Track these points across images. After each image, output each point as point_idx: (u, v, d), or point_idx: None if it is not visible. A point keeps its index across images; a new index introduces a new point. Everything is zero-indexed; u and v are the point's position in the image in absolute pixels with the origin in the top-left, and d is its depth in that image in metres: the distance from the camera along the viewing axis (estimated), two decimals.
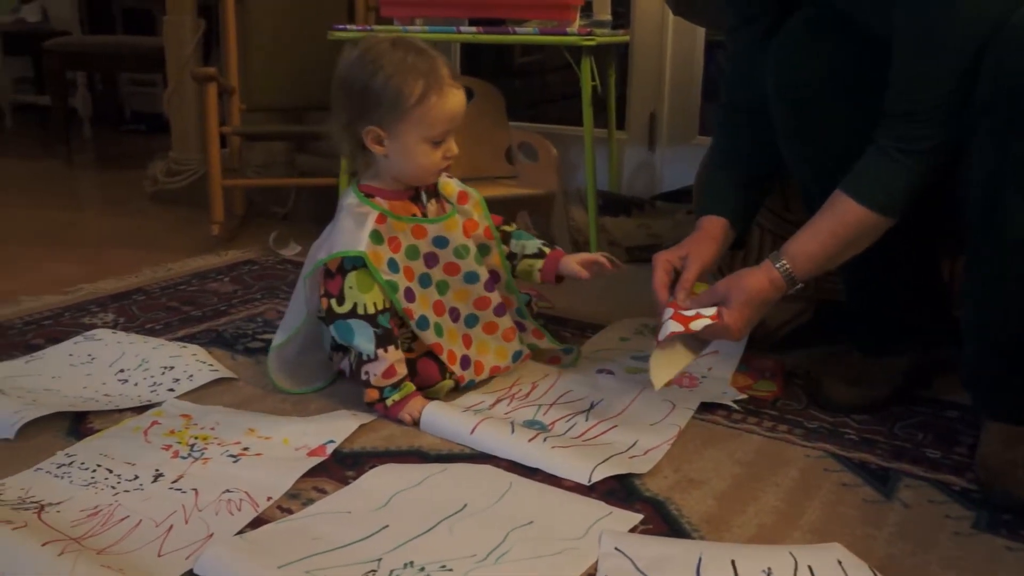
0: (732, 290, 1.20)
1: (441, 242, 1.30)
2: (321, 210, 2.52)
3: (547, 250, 1.41)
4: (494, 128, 2.18)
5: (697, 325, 1.20)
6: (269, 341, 1.55)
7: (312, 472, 1.12)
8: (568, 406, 1.32)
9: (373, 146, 1.25)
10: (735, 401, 1.34)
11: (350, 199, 1.29)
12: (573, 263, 1.39)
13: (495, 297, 1.36)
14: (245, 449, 1.17)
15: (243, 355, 1.51)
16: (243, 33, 2.50)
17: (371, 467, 1.14)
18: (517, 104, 2.74)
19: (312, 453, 1.16)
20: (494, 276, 1.37)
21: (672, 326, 1.21)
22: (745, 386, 1.40)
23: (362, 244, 1.23)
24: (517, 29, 1.98)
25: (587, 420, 1.27)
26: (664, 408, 1.30)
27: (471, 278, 1.33)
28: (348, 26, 2.10)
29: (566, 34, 1.92)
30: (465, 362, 1.34)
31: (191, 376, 1.39)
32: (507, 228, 1.43)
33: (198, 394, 1.35)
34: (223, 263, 2.10)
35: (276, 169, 2.76)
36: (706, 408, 1.32)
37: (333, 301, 1.25)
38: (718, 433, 1.26)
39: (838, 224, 1.14)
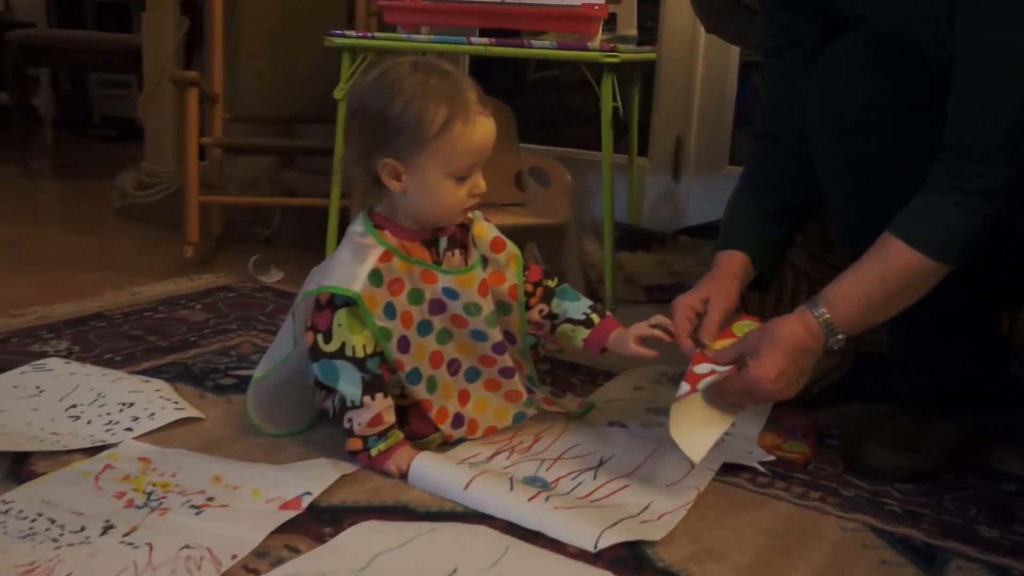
0: (761, 338, 1.19)
1: (451, 294, 1.29)
2: (308, 234, 2.52)
3: (596, 318, 1.38)
4: (503, 150, 2.18)
5: (703, 384, 1.19)
6: (243, 378, 1.55)
7: (284, 528, 1.11)
8: (574, 462, 1.31)
9: (390, 181, 1.24)
10: (762, 463, 1.33)
11: (357, 226, 1.28)
12: (631, 343, 1.32)
13: (504, 360, 1.35)
14: (209, 499, 1.15)
15: (213, 392, 1.50)
16: (230, 34, 2.52)
17: (351, 524, 1.12)
18: (529, 124, 2.74)
19: (285, 506, 1.15)
20: (509, 338, 1.36)
21: (681, 387, 1.21)
22: (774, 446, 1.39)
23: (358, 284, 1.22)
24: (533, 42, 1.99)
25: (595, 478, 1.26)
26: (682, 468, 1.28)
27: (478, 336, 1.32)
28: (347, 32, 2.11)
29: (587, 49, 1.93)
30: (458, 421, 1.34)
31: (152, 415, 1.38)
32: (549, 283, 1.40)
33: (159, 435, 1.34)
34: (195, 289, 2.10)
35: (260, 186, 2.78)
36: (729, 469, 1.31)
37: (320, 337, 1.25)
38: (742, 498, 1.25)
39: (886, 269, 1.13)
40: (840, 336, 1.17)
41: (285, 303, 2.00)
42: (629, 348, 1.34)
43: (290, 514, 1.13)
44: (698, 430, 1.22)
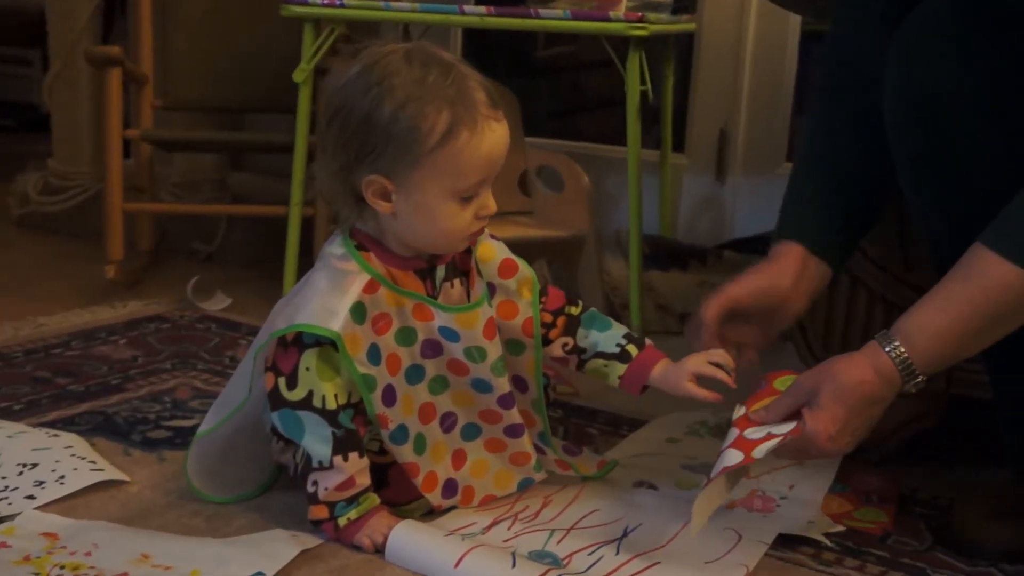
0: (821, 383, 1.19)
1: (450, 334, 1.30)
2: (261, 250, 2.53)
3: (633, 349, 1.39)
4: None
5: (762, 451, 1.19)
6: (179, 429, 1.56)
7: None
8: (592, 532, 1.32)
9: (376, 202, 1.24)
10: (827, 534, 1.34)
11: (335, 247, 1.29)
12: (686, 381, 1.32)
13: (511, 416, 1.36)
14: None
15: (141, 449, 1.51)
16: (162, 1, 2.54)
17: None
18: (537, 113, 2.77)
19: None
20: (519, 385, 1.37)
21: (729, 456, 1.20)
22: (842, 513, 1.39)
23: (338, 321, 1.22)
24: (541, 11, 2.01)
25: (618, 553, 1.27)
26: (726, 540, 1.29)
27: (481, 386, 1.33)
28: None
29: (608, 19, 1.95)
30: (449, 488, 1.35)
31: (62, 478, 1.38)
32: (572, 310, 1.41)
33: (71, 504, 1.34)
34: (119, 319, 2.11)
35: (201, 191, 2.78)
36: (786, 542, 1.32)
37: (282, 381, 1.26)
38: None
39: (977, 290, 1.14)
40: (920, 378, 1.17)
41: (232, 336, 2.02)
42: (683, 388, 1.33)
43: None
44: (708, 499, 1.22)
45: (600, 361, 1.39)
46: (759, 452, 1.19)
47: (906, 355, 1.16)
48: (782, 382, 1.28)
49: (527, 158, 2.24)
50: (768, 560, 1.28)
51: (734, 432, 1.24)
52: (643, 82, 1.97)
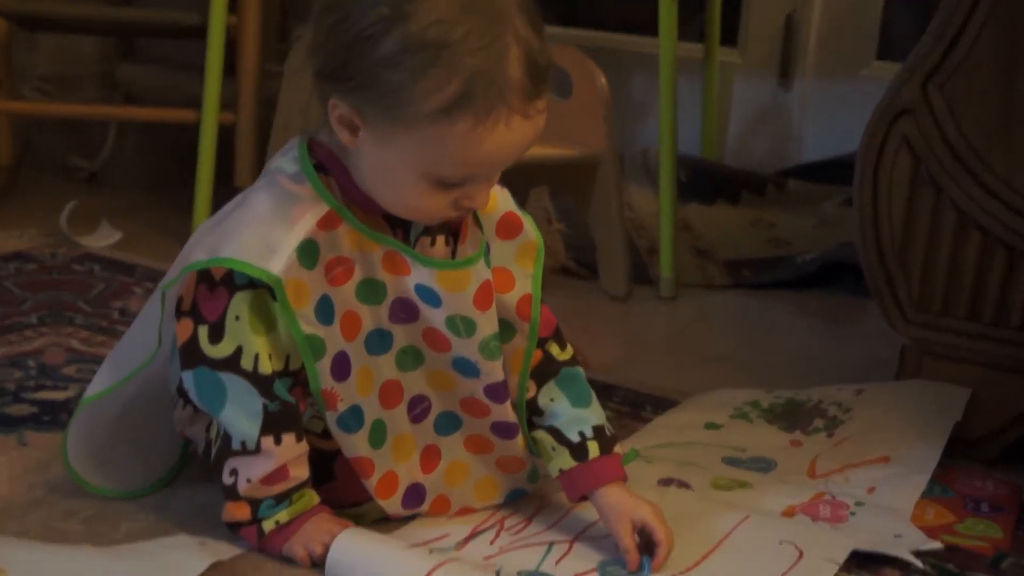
0: None
1: (429, 296, 1.29)
2: (162, 167, 2.53)
3: (593, 448, 1.35)
4: None
5: None
6: (47, 403, 1.56)
7: None
8: (603, 545, 1.32)
9: (340, 129, 1.23)
10: (918, 553, 1.34)
11: (287, 162, 1.28)
12: (624, 529, 1.30)
13: (502, 411, 1.35)
14: None
15: None
16: None
17: None
18: None
19: None
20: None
21: None
22: (941, 526, 1.40)
23: (280, 261, 1.21)
24: None
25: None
26: (783, 557, 1.30)
27: (465, 368, 1.33)
28: None
29: None
30: (414, 495, 1.35)
31: None
32: (555, 350, 1.41)
33: None
34: None
35: (80, 87, 2.77)
36: (863, 562, 1.32)
37: (203, 331, 1.25)
38: None
39: None
40: None
41: (123, 282, 2.02)
42: (616, 529, 1.31)
43: None
44: None
45: (550, 439, 1.38)
46: None
47: None
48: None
49: None
50: None
51: None
52: None
